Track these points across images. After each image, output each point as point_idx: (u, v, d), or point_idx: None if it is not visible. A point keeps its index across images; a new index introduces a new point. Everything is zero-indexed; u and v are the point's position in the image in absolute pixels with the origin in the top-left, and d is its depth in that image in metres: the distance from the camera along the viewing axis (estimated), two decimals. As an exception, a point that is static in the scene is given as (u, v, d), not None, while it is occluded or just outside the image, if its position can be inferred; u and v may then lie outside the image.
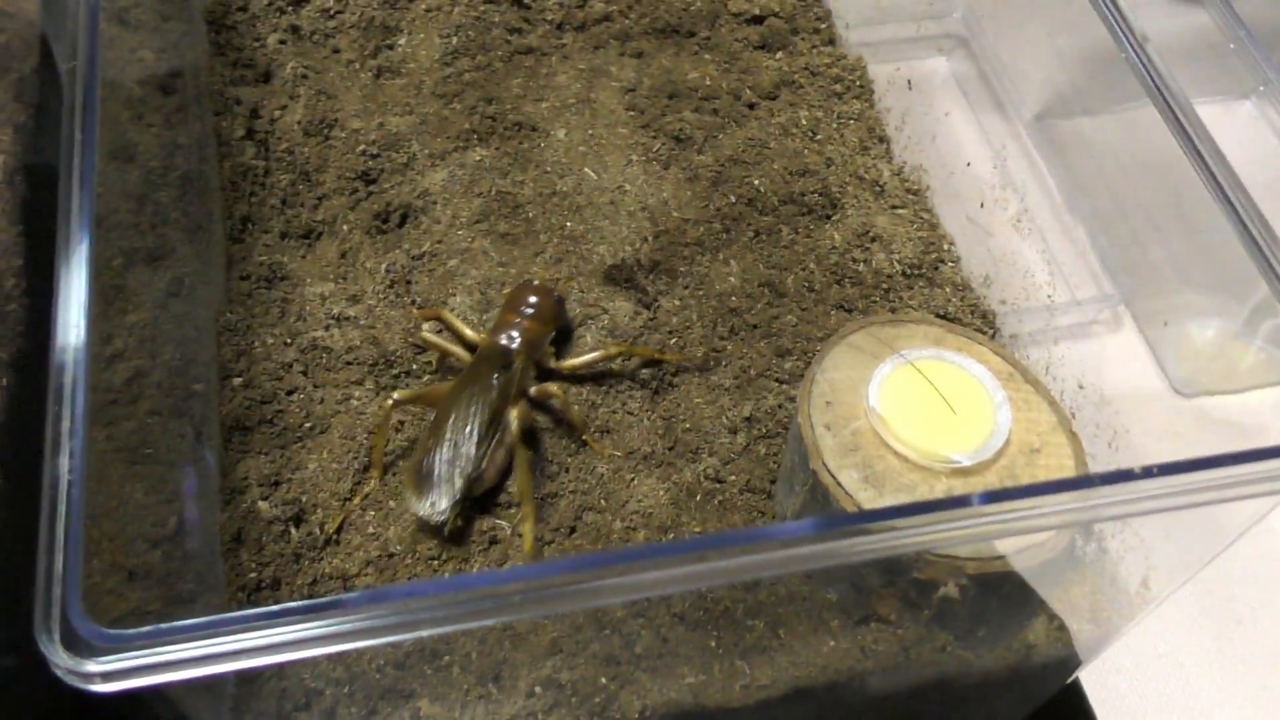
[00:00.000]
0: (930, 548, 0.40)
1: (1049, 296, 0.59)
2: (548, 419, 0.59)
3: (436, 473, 0.54)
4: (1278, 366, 0.70)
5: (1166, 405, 0.59)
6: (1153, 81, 0.55)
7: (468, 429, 0.55)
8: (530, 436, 0.57)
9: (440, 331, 0.61)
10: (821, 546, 0.35)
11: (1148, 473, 0.36)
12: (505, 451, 0.56)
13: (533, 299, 0.59)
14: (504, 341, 0.58)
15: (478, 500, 0.56)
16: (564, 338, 0.62)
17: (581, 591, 0.36)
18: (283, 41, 0.73)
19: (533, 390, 0.58)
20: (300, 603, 0.35)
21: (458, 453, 0.54)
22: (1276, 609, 0.56)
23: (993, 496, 0.36)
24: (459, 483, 0.54)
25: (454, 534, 0.54)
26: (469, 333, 0.60)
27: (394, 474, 0.57)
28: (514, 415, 0.56)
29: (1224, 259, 0.76)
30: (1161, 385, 0.63)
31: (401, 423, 0.58)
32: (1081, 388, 0.55)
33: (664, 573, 0.36)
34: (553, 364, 0.59)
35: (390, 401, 0.56)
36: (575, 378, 0.60)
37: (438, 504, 0.53)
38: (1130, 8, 0.85)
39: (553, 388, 0.57)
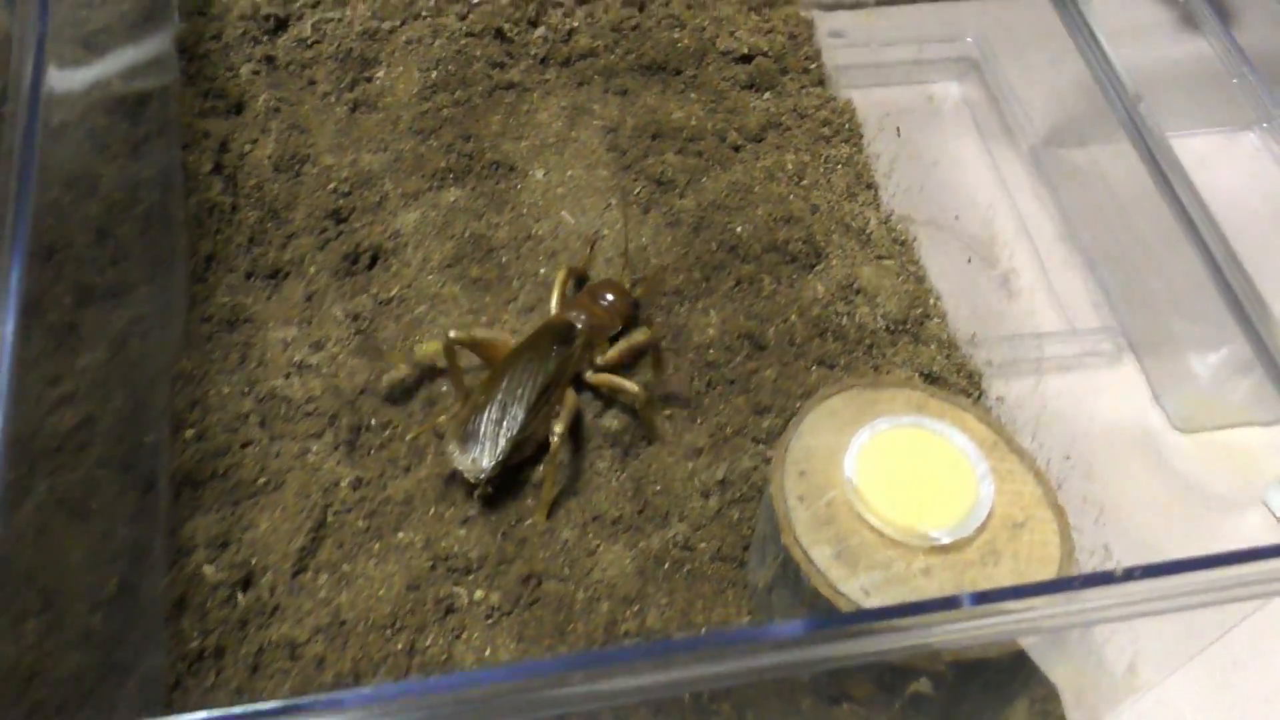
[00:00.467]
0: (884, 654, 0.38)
1: (1037, 352, 0.56)
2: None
3: (482, 431, 0.55)
4: (1275, 402, 0.68)
5: (1159, 458, 0.57)
6: (1129, 117, 0.52)
7: (520, 393, 0.56)
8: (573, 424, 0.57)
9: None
10: (781, 657, 0.33)
11: (1129, 575, 0.34)
12: (548, 427, 0.55)
13: (610, 295, 0.60)
14: (571, 318, 0.59)
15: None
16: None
17: (544, 700, 0.33)
18: (256, 72, 0.71)
19: (589, 376, 0.59)
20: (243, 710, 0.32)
21: (506, 414, 0.55)
22: None
23: (948, 602, 0.34)
24: (503, 444, 0.54)
25: (483, 496, 0.55)
26: (501, 338, 0.59)
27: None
28: (569, 395, 0.57)
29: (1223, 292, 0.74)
30: (1159, 422, 0.61)
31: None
32: (1068, 458, 0.53)
33: (632, 680, 0.34)
34: (599, 359, 0.60)
35: (450, 335, 0.57)
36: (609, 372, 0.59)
37: (479, 461, 0.54)
38: (1135, 34, 0.83)
39: (631, 386, 0.57)
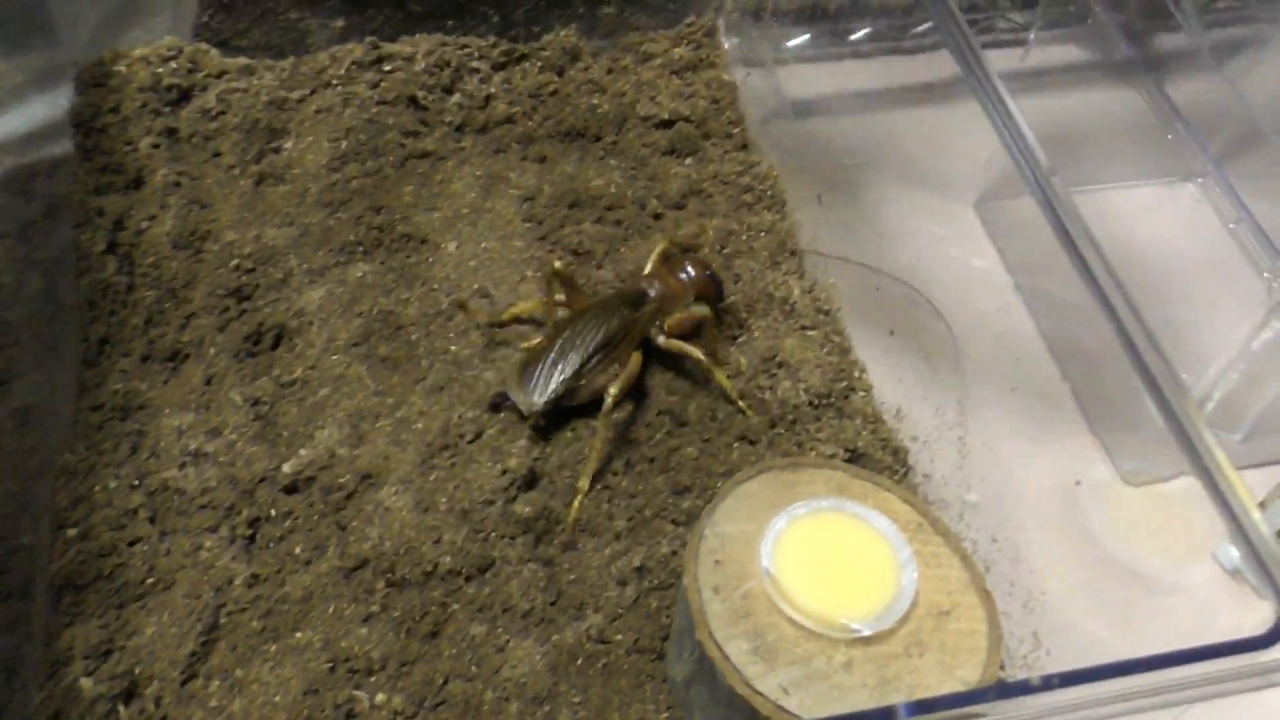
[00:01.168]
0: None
1: (961, 430, 0.55)
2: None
3: (539, 371, 0.58)
4: (1225, 450, 0.67)
5: (1099, 521, 0.55)
6: (1032, 174, 0.51)
7: (580, 343, 0.59)
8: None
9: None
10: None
11: (1047, 683, 0.32)
12: (605, 381, 0.58)
13: (691, 269, 0.63)
14: (645, 286, 0.62)
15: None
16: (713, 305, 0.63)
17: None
18: (156, 145, 0.68)
19: (661, 341, 0.61)
20: None
21: (564, 359, 0.59)
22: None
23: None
24: (555, 385, 0.58)
25: (536, 426, 0.58)
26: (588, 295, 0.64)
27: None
28: (633, 359, 0.60)
29: (1172, 342, 0.73)
30: (1106, 476, 0.59)
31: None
32: (995, 541, 0.51)
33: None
34: (666, 329, 0.62)
35: (554, 265, 0.61)
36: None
37: (531, 397, 0.58)
38: (1075, 86, 0.83)
39: (697, 353, 0.60)
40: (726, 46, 0.81)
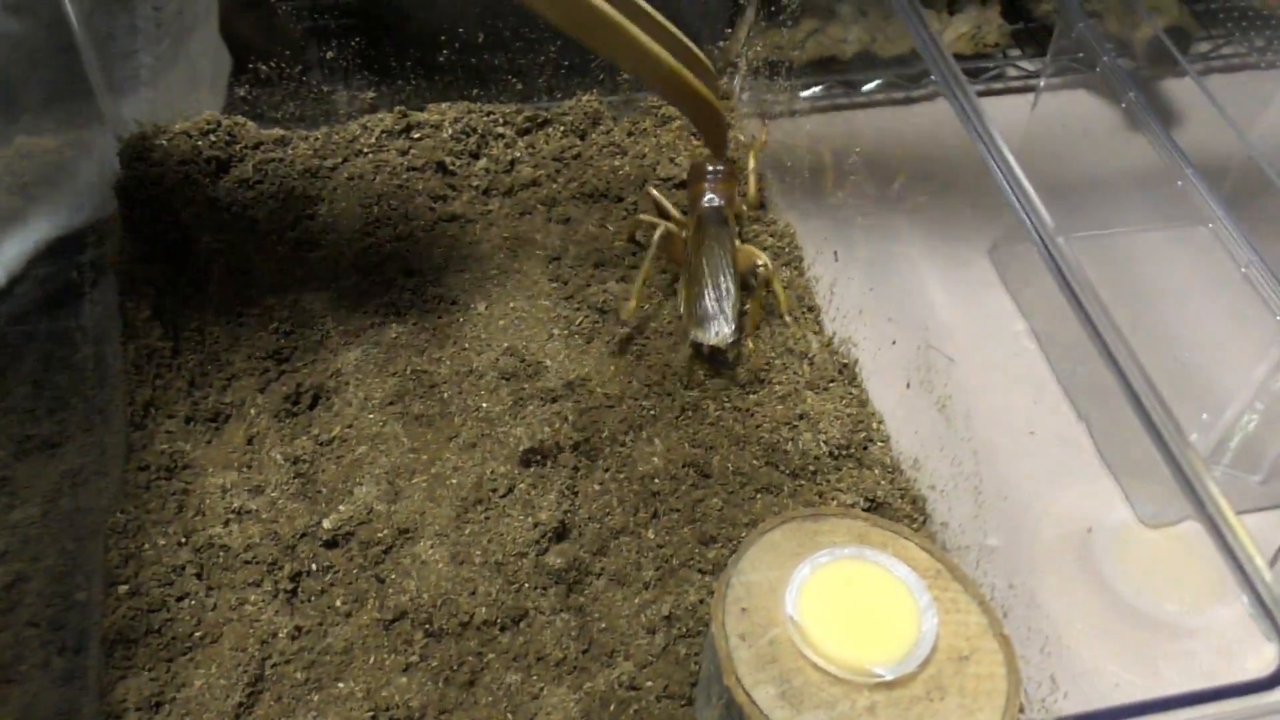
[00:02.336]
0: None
1: (976, 480, 0.56)
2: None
3: (712, 309, 0.66)
4: (1245, 492, 0.68)
5: (1118, 565, 0.56)
6: (1032, 227, 0.53)
7: (723, 270, 0.67)
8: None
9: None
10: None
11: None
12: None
13: (712, 166, 0.71)
14: (712, 202, 0.70)
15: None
16: None
17: None
18: (197, 215, 0.71)
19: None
20: None
21: (722, 289, 0.67)
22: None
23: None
24: (732, 311, 0.66)
25: (736, 356, 0.67)
26: (673, 211, 0.73)
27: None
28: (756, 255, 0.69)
29: (1187, 383, 0.74)
30: (1126, 518, 0.60)
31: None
32: (1012, 587, 0.52)
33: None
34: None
35: (663, 229, 0.69)
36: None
37: (723, 331, 0.66)
38: (1086, 134, 0.85)
39: (762, 256, 0.69)
40: (744, 98, 0.84)
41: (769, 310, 0.70)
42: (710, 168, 0.71)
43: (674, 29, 0.64)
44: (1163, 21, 0.90)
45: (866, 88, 0.86)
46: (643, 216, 0.73)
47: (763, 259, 0.68)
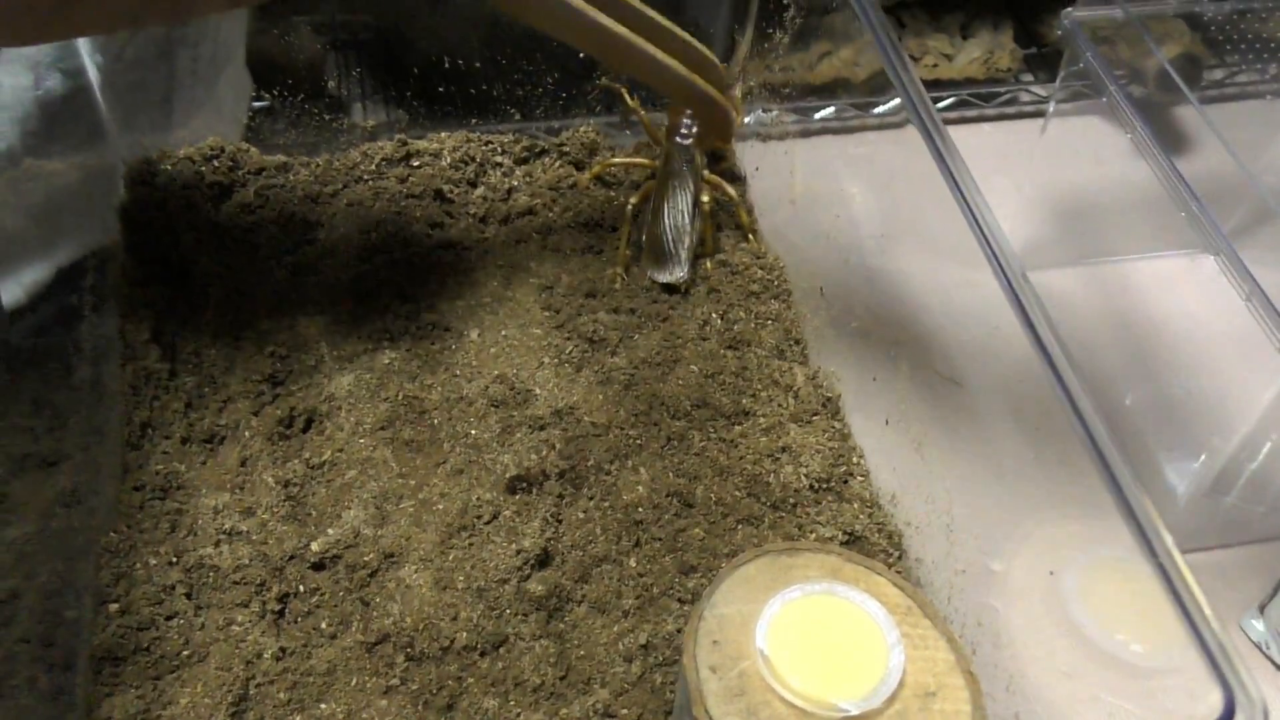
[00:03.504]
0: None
1: (948, 525, 0.57)
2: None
3: (669, 251, 0.74)
4: (1250, 524, 0.68)
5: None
6: (991, 251, 0.54)
7: (681, 212, 0.74)
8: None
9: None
10: None
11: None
12: (701, 223, 0.75)
13: (690, 114, 0.74)
14: (681, 140, 0.75)
15: None
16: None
17: None
18: (199, 239, 0.73)
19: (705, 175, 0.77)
20: None
21: (680, 232, 0.74)
22: None
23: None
24: (687, 253, 0.74)
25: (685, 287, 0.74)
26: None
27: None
28: (705, 197, 0.75)
29: (1193, 411, 0.75)
30: (1099, 554, 0.61)
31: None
32: (980, 624, 0.53)
33: None
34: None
35: (630, 208, 0.75)
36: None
37: (677, 272, 0.74)
38: (1095, 159, 0.85)
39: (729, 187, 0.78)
40: (747, 121, 0.85)
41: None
42: (688, 112, 0.74)
43: (676, 29, 0.69)
44: (1175, 49, 0.91)
45: (879, 109, 0.87)
46: (613, 160, 0.80)
47: (706, 196, 0.75)
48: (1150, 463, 0.71)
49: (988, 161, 0.80)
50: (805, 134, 0.81)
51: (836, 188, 0.75)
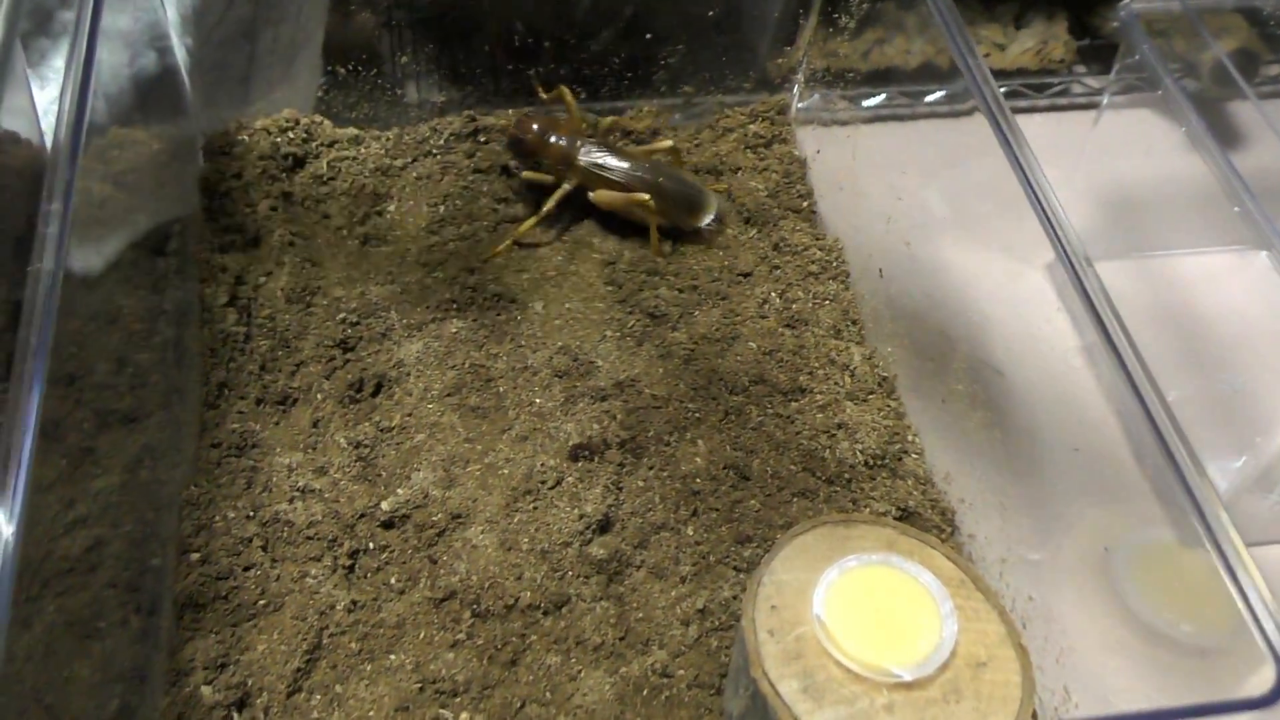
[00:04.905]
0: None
1: (1001, 503, 0.59)
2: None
3: (697, 193, 0.78)
4: None
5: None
6: (1057, 237, 0.55)
7: (665, 173, 0.77)
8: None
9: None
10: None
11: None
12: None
13: (539, 125, 0.76)
14: (595, 155, 0.77)
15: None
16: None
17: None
18: (274, 208, 0.75)
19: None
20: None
21: (688, 181, 0.78)
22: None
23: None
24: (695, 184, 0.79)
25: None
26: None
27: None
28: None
29: (1239, 408, 0.75)
30: (1153, 535, 0.62)
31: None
32: (1031, 599, 0.55)
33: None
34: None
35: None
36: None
37: (714, 204, 0.78)
38: (1148, 152, 0.86)
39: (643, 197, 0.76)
40: (804, 105, 0.86)
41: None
42: (540, 126, 0.76)
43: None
44: (1232, 43, 0.90)
45: (930, 98, 0.87)
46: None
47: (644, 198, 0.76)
48: (1192, 458, 0.72)
49: (1039, 152, 0.80)
50: (865, 119, 0.82)
51: (897, 172, 0.76)
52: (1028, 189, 0.55)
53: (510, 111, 0.81)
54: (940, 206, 0.73)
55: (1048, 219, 0.55)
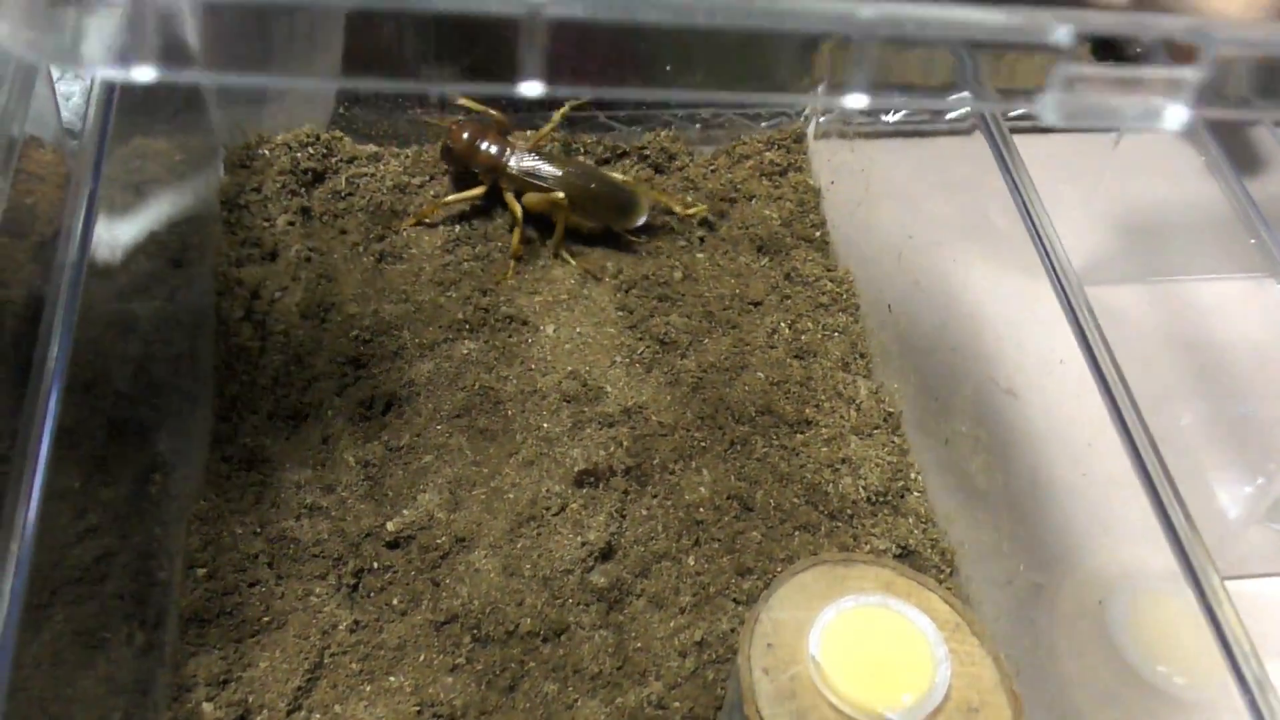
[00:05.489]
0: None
1: (999, 543, 0.59)
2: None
3: (627, 196, 0.79)
4: None
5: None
6: (1051, 266, 0.56)
7: (596, 177, 0.79)
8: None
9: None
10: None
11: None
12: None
13: (469, 134, 0.78)
14: (524, 161, 0.78)
15: (422, 710, 0.56)
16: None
17: None
18: (291, 223, 0.76)
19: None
20: None
21: (615, 183, 0.80)
22: None
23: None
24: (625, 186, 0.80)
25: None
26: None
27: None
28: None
29: (1251, 435, 0.75)
30: (1149, 579, 0.62)
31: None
32: (1025, 645, 0.55)
33: None
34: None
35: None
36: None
37: (639, 205, 0.80)
38: (1165, 176, 0.86)
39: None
40: (823, 120, 0.86)
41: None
42: (470, 134, 0.78)
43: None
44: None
45: (951, 115, 0.87)
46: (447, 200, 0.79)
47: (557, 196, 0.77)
48: (1203, 486, 0.72)
49: (1057, 172, 0.80)
50: (884, 134, 0.82)
51: (911, 197, 0.76)
52: (1022, 210, 0.56)
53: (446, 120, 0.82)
54: (953, 229, 0.73)
55: (1041, 242, 0.56)
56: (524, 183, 0.78)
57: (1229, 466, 0.74)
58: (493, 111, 0.80)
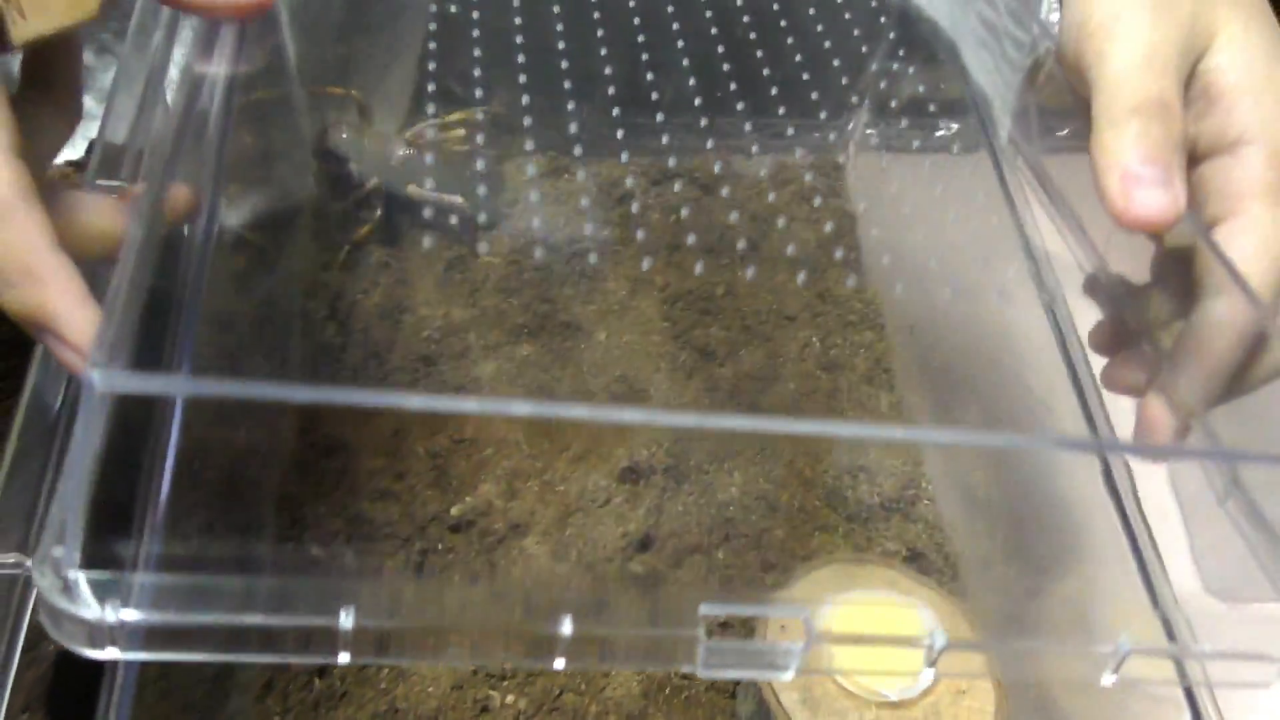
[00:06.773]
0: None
1: (1003, 554, 0.66)
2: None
3: None
4: None
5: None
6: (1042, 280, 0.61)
7: None
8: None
9: None
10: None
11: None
12: None
13: None
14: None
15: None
16: None
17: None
18: (372, 231, 0.84)
19: None
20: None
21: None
22: None
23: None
24: None
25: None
26: None
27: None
28: None
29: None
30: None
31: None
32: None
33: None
34: None
35: None
36: None
37: None
38: None
39: None
40: (869, 134, 0.92)
41: None
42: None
43: None
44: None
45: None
46: None
47: None
48: (1209, 506, 0.77)
49: (1083, 192, 0.84)
50: (909, 164, 0.88)
51: (935, 224, 0.82)
52: (1018, 231, 0.62)
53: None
54: (973, 250, 0.78)
55: (1033, 263, 0.62)
56: None
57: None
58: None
